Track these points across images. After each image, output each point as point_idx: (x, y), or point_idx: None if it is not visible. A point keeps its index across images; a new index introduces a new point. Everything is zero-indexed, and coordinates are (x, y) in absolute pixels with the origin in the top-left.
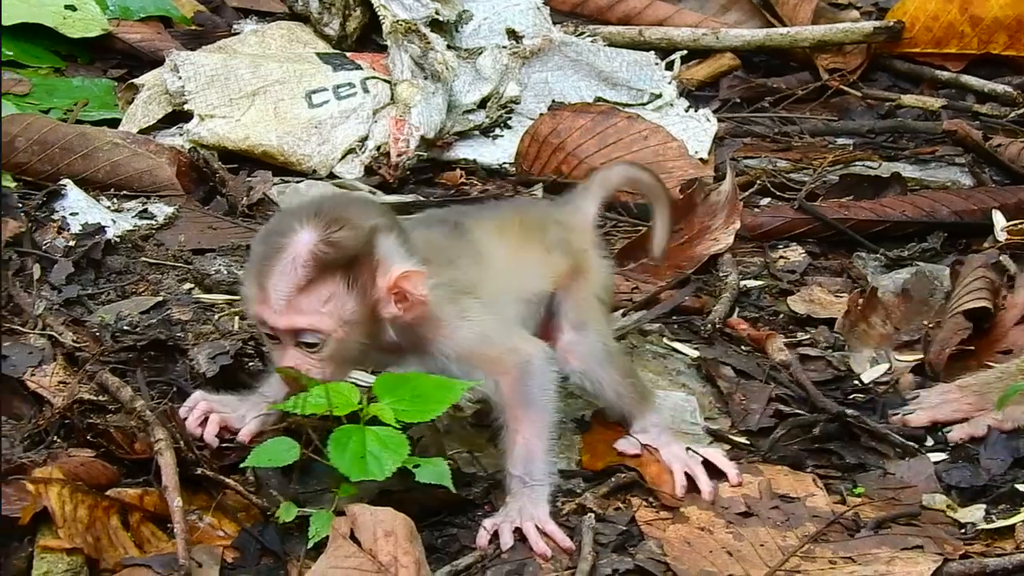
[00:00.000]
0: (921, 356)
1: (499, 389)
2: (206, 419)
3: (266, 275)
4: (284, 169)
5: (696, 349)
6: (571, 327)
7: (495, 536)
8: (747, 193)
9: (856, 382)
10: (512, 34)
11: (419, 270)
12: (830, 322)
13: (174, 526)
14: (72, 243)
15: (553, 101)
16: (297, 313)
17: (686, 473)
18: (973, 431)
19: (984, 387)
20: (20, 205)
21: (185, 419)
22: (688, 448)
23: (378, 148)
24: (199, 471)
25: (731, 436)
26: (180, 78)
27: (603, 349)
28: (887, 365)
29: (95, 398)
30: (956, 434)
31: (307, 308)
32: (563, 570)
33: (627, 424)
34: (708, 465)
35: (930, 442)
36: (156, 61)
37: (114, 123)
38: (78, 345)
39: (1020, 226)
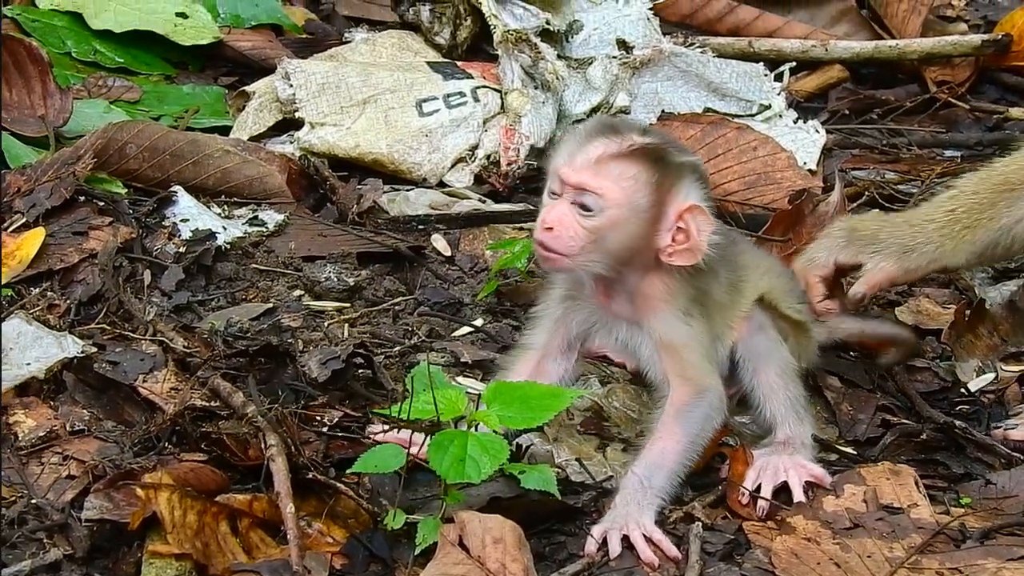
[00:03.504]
0: None
1: (670, 395)
2: None
3: (588, 140)
4: (394, 177)
5: None
6: (763, 332)
7: (603, 543)
8: (855, 204)
9: (963, 391)
10: (622, 44)
11: (710, 218)
12: (937, 333)
13: (287, 532)
14: (182, 249)
15: (663, 111)
16: (594, 173)
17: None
18: None
19: None
20: (131, 211)
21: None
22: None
23: (488, 157)
24: (310, 476)
25: (838, 446)
26: (291, 86)
27: (784, 361)
28: (993, 375)
29: (206, 404)
30: None
31: (605, 173)
32: None
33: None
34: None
35: None
36: (267, 69)
37: (224, 131)
38: (189, 351)
39: None
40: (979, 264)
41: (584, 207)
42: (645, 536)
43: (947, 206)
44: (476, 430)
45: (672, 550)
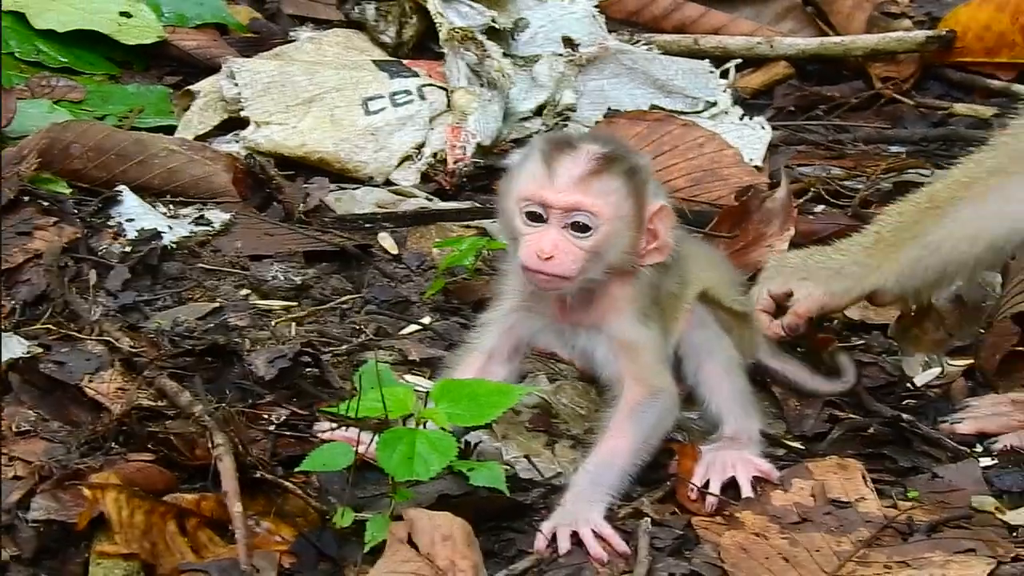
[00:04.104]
0: (972, 360)
1: (623, 395)
2: None
3: (559, 160)
4: (340, 176)
5: None
6: (705, 327)
7: (552, 540)
8: (801, 200)
9: (909, 385)
10: (568, 42)
11: (673, 215)
12: (883, 327)
13: (235, 531)
14: (128, 249)
15: (609, 109)
16: (583, 193)
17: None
18: (1020, 444)
19: None
20: (76, 211)
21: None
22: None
23: (435, 155)
24: (258, 474)
25: (785, 440)
26: (236, 85)
27: (727, 355)
28: (939, 369)
29: (153, 404)
30: (1001, 444)
31: (594, 191)
32: (619, 574)
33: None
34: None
35: (980, 448)
36: (212, 68)
37: (170, 130)
38: (135, 351)
39: None
40: (913, 289)
41: (578, 228)
42: (594, 532)
43: (873, 228)
44: (424, 427)
45: (621, 546)
